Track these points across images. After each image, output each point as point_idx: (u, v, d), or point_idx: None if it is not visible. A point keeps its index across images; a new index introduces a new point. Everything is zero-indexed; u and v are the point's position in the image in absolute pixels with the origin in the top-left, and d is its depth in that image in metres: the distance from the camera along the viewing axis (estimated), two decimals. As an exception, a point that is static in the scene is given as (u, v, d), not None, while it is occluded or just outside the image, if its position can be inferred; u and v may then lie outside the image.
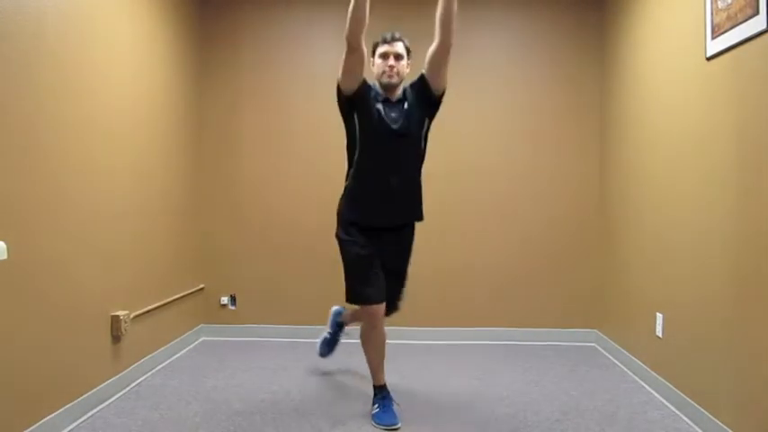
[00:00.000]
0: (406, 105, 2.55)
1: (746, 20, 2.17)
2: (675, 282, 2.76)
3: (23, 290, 2.17)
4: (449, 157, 3.88)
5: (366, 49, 2.43)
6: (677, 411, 2.67)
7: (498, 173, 3.90)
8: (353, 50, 2.37)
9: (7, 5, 2.08)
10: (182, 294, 3.60)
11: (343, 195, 2.65)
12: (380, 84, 2.55)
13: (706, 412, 2.44)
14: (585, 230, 3.89)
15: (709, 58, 2.46)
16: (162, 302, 3.32)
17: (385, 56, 2.52)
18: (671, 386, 2.76)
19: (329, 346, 3.18)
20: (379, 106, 2.52)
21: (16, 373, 2.14)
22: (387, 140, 2.50)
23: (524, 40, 3.89)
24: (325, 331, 3.19)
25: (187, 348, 3.68)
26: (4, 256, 1.98)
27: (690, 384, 2.61)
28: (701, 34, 2.51)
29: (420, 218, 2.70)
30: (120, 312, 2.82)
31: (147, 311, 3.14)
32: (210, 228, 3.96)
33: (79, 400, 2.52)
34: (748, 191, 2.18)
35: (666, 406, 2.75)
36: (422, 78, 2.57)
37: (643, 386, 3.02)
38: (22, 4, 2.16)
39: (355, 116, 2.53)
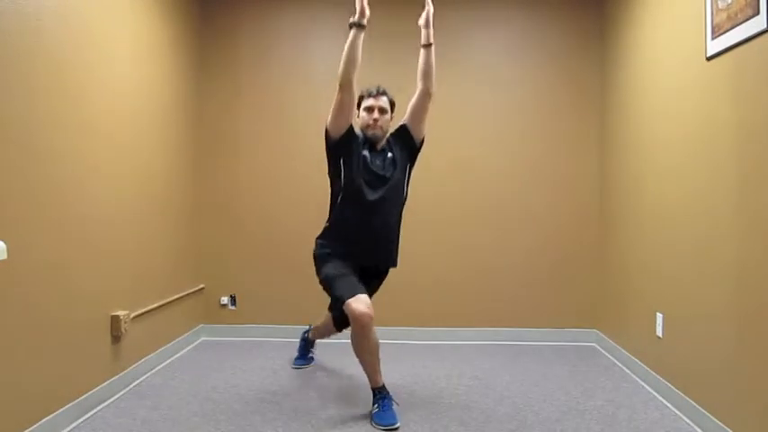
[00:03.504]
0: (389, 154, 2.72)
1: (746, 20, 2.17)
2: (675, 282, 2.76)
3: (24, 290, 2.17)
4: (448, 159, 3.88)
5: (355, 92, 2.61)
6: (677, 411, 2.67)
7: (498, 174, 3.89)
8: (346, 90, 2.55)
9: (6, 6, 2.08)
10: (182, 294, 3.60)
11: (321, 237, 2.77)
12: (364, 135, 2.70)
13: (706, 412, 2.44)
14: (586, 230, 3.88)
15: (709, 58, 2.46)
16: (162, 302, 3.32)
17: (370, 109, 2.69)
18: (671, 386, 2.76)
19: (302, 360, 3.38)
20: (365, 153, 2.67)
21: (16, 373, 2.14)
22: (372, 185, 2.65)
23: (524, 39, 3.89)
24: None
25: (187, 348, 3.68)
26: (4, 256, 1.98)
27: (690, 384, 2.60)
28: (701, 34, 2.51)
29: (395, 264, 2.81)
30: (120, 312, 2.82)
31: (147, 311, 3.14)
32: (210, 228, 3.96)
33: (79, 400, 2.52)
34: (749, 190, 2.17)
35: (666, 406, 2.75)
36: (404, 128, 2.78)
37: (643, 386, 3.02)
38: (21, 5, 2.16)
39: (341, 161, 2.66)
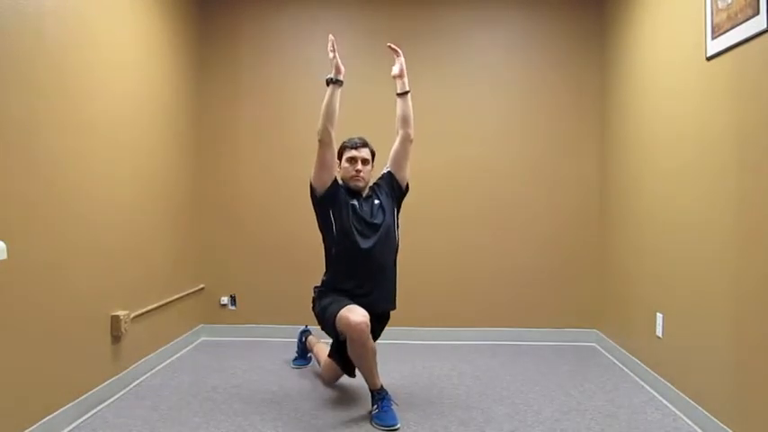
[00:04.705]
0: (376, 201, 2.76)
1: (746, 20, 2.17)
2: (675, 282, 2.76)
3: (24, 290, 2.17)
4: (448, 159, 3.88)
5: (335, 146, 2.67)
6: (677, 411, 2.67)
7: (498, 174, 3.89)
8: (327, 145, 2.61)
9: (6, 6, 2.08)
10: (182, 294, 3.60)
11: (320, 286, 2.79)
12: (347, 187, 2.74)
13: (706, 412, 2.44)
14: (586, 231, 3.88)
15: (709, 58, 2.46)
16: (162, 302, 3.32)
17: (352, 160, 2.73)
18: (671, 386, 2.76)
19: (302, 360, 3.40)
20: (354, 202, 2.70)
21: (16, 372, 2.14)
22: (364, 234, 2.66)
23: (524, 39, 3.89)
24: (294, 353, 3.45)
25: (187, 348, 3.68)
26: (4, 256, 1.98)
27: (690, 384, 2.61)
28: (701, 34, 2.51)
29: (394, 308, 2.83)
30: (120, 312, 2.82)
31: (147, 311, 3.14)
32: (210, 228, 3.96)
33: (79, 399, 2.52)
34: (748, 190, 2.17)
35: (666, 406, 2.75)
36: (389, 174, 2.83)
37: (643, 386, 3.02)
38: (21, 5, 2.16)
39: (331, 213, 2.69)
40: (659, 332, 2.90)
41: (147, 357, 3.15)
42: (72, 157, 2.48)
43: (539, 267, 3.89)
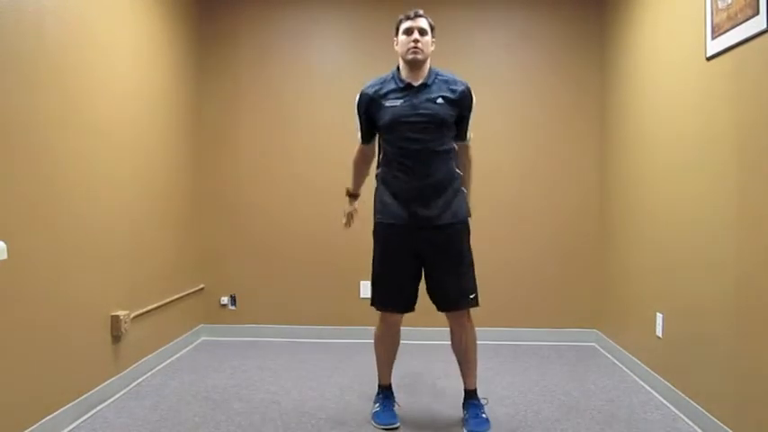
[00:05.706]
0: (433, 94, 2.51)
1: (746, 20, 2.17)
2: (675, 282, 2.76)
3: (24, 290, 2.17)
4: (449, 157, 3.88)
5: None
6: (677, 411, 2.67)
7: (498, 173, 3.89)
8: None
9: (6, 6, 2.08)
10: (182, 294, 3.60)
11: (376, 175, 2.66)
12: (405, 61, 2.51)
13: (706, 412, 2.44)
14: (586, 230, 3.88)
15: (709, 58, 2.46)
16: (162, 302, 3.32)
17: (409, 31, 2.47)
18: (671, 386, 2.76)
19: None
20: (396, 102, 2.48)
21: (16, 372, 2.14)
22: (410, 126, 2.46)
23: (524, 39, 3.89)
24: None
25: (187, 348, 3.68)
26: (4, 256, 1.98)
27: (690, 384, 2.60)
28: (701, 34, 2.51)
29: (463, 216, 2.69)
30: (120, 312, 2.82)
31: (147, 311, 3.14)
32: (210, 228, 3.96)
33: (79, 399, 2.52)
34: (748, 191, 2.17)
35: (666, 406, 2.75)
36: (466, 96, 2.63)
37: (643, 386, 3.02)
38: (21, 4, 2.16)
39: (376, 128, 2.58)
40: (659, 332, 2.90)
41: (147, 357, 3.15)
42: (72, 157, 2.48)
43: (539, 267, 3.89)
